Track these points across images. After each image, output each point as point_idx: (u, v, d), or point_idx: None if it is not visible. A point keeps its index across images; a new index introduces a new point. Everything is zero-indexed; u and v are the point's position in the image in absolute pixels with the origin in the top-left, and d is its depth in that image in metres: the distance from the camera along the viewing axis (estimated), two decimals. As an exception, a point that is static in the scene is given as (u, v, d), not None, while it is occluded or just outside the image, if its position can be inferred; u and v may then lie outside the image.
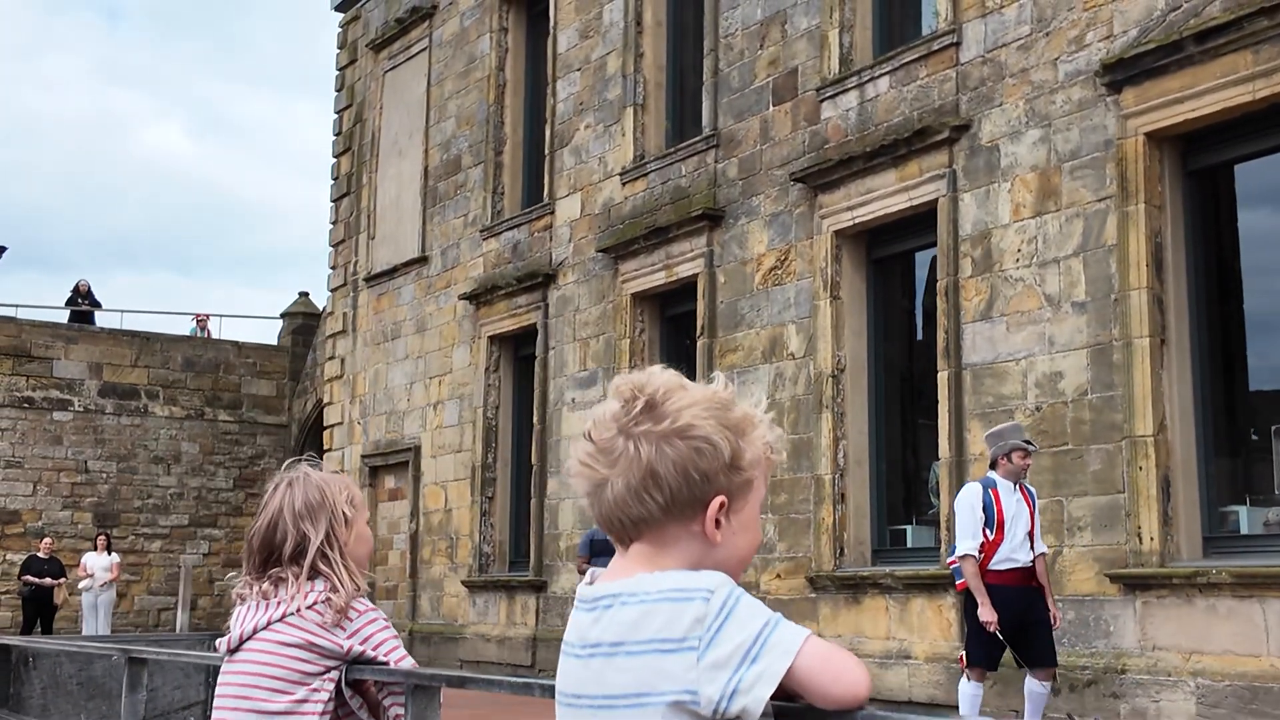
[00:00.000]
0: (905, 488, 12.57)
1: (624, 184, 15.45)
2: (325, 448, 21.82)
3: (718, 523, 1.56)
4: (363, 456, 20.39)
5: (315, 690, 2.65)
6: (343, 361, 21.42)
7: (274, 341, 27.57)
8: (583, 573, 13.24)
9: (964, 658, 8.64)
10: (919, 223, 11.80)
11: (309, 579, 2.71)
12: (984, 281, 11.02)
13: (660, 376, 1.62)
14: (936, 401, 11.65)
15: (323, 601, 2.69)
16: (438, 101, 19.61)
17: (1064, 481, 10.17)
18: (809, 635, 1.49)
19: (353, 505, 2.81)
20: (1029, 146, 10.79)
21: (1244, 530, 9.68)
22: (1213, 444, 9.86)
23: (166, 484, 25.66)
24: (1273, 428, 9.93)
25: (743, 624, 1.48)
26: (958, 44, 11.49)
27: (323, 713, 2.65)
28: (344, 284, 21.71)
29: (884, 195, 11.99)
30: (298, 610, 2.68)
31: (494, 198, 18.10)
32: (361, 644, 2.70)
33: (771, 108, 13.45)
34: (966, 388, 11.06)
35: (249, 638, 2.71)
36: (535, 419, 16.52)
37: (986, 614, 8.05)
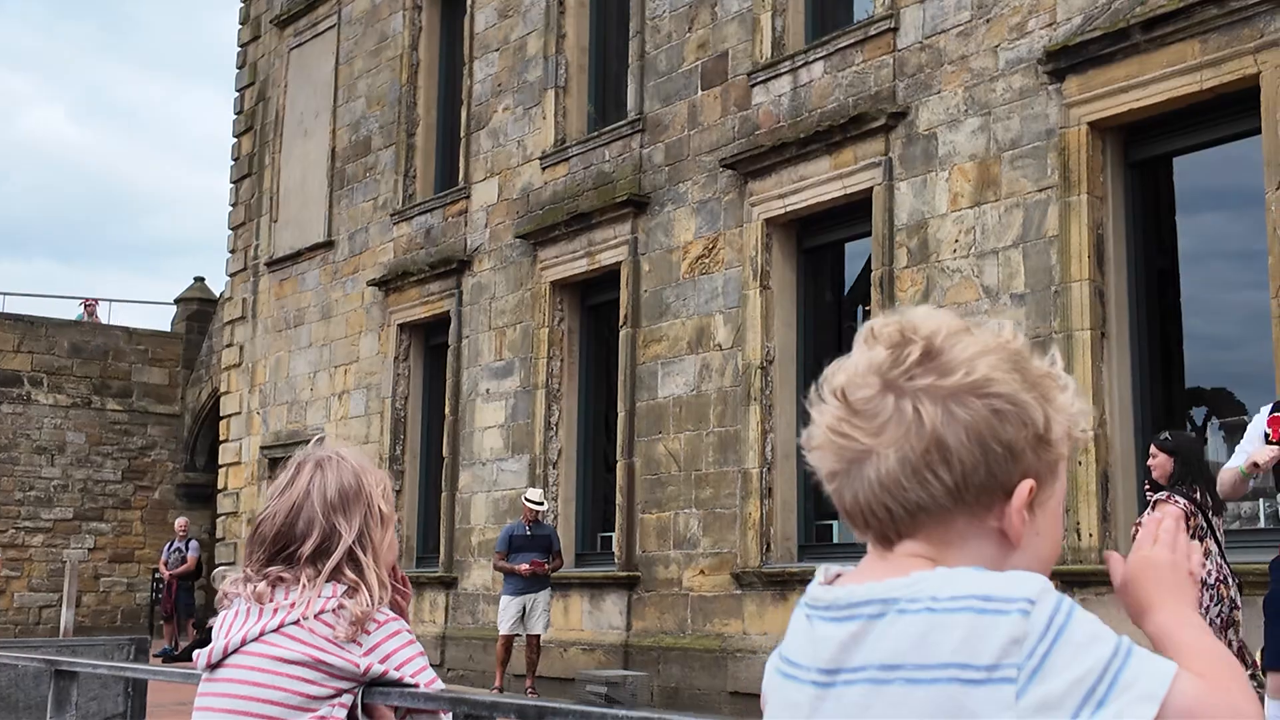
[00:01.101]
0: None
1: (544, 169, 14.98)
2: (221, 438, 20.98)
3: (1022, 516, 1.15)
4: (262, 448, 19.62)
5: (323, 718, 2.17)
6: (241, 349, 20.59)
7: (167, 328, 26.50)
8: (501, 570, 12.76)
9: None
10: (853, 212, 11.54)
11: (325, 582, 2.24)
12: (920, 272, 10.79)
13: (935, 316, 1.21)
14: (867, 395, 11.40)
15: (334, 610, 2.20)
16: (346, 81, 18.92)
17: (1001, 476, 9.95)
18: (1177, 670, 1.08)
19: (388, 502, 2.36)
20: (968, 135, 10.58)
21: (1180, 527, 9.55)
22: (1149, 439, 9.72)
23: (50, 475, 24.48)
24: (1209, 423, 9.85)
25: (1080, 649, 1.07)
26: (895, 29, 11.24)
27: None
28: (244, 268, 20.88)
29: (817, 183, 11.71)
30: (301, 619, 2.20)
31: (406, 181, 17.48)
32: (382, 662, 2.20)
33: (700, 92, 13.10)
34: (901, 380, 10.79)
35: (236, 650, 2.22)
36: (447, 410, 15.98)
37: None
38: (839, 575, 1.22)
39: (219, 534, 20.75)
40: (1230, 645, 7.29)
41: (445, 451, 15.92)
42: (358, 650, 2.18)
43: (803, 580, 11.36)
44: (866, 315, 11.50)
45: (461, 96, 16.60)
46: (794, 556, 11.87)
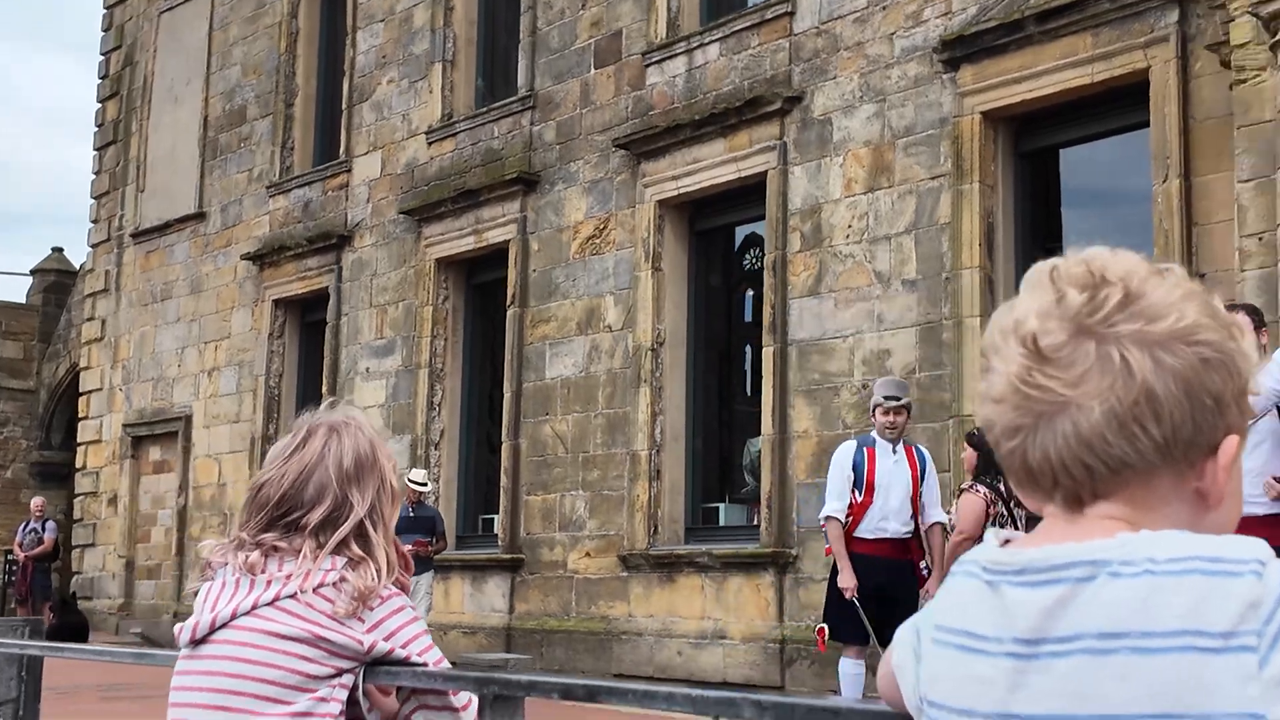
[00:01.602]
0: (720, 465, 12.32)
1: (430, 143, 14.68)
2: (81, 415, 20.18)
3: (1226, 474, 1.07)
4: (124, 426, 18.91)
5: (323, 700, 1.99)
6: (104, 323, 19.81)
7: (22, 300, 25.37)
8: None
9: (823, 630, 7.99)
10: (747, 195, 11.54)
11: (329, 555, 2.06)
12: (813, 257, 10.84)
13: (1121, 257, 1.11)
14: (755, 377, 11.45)
15: (336, 584, 2.02)
16: (221, 47, 18.29)
17: (890, 460, 10.06)
18: None
19: (398, 477, 2.21)
20: (863, 121, 10.66)
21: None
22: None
23: (-107, 452, 23.27)
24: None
25: None
26: (791, 14, 11.26)
27: None
28: (107, 239, 20.07)
29: (711, 165, 11.68)
30: (299, 592, 2.02)
31: (283, 152, 16.98)
32: (386, 640, 2.03)
33: (593, 71, 12.96)
34: (792, 364, 10.86)
35: (225, 625, 2.03)
36: (324, 388, 15.57)
37: (845, 579, 7.43)
38: (1008, 541, 1.12)
39: (77, 514, 19.97)
40: None
41: (322, 431, 15.51)
42: (360, 627, 2.01)
43: (691, 562, 11.37)
44: (757, 300, 11.53)
45: (343, 67, 16.18)
46: (681, 539, 11.85)
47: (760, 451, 11.35)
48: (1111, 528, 1.05)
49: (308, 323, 16.51)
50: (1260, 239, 7.75)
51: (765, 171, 11.23)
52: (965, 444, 7.76)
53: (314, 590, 2.01)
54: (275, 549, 2.05)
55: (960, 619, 1.09)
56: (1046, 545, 1.06)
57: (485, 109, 14.19)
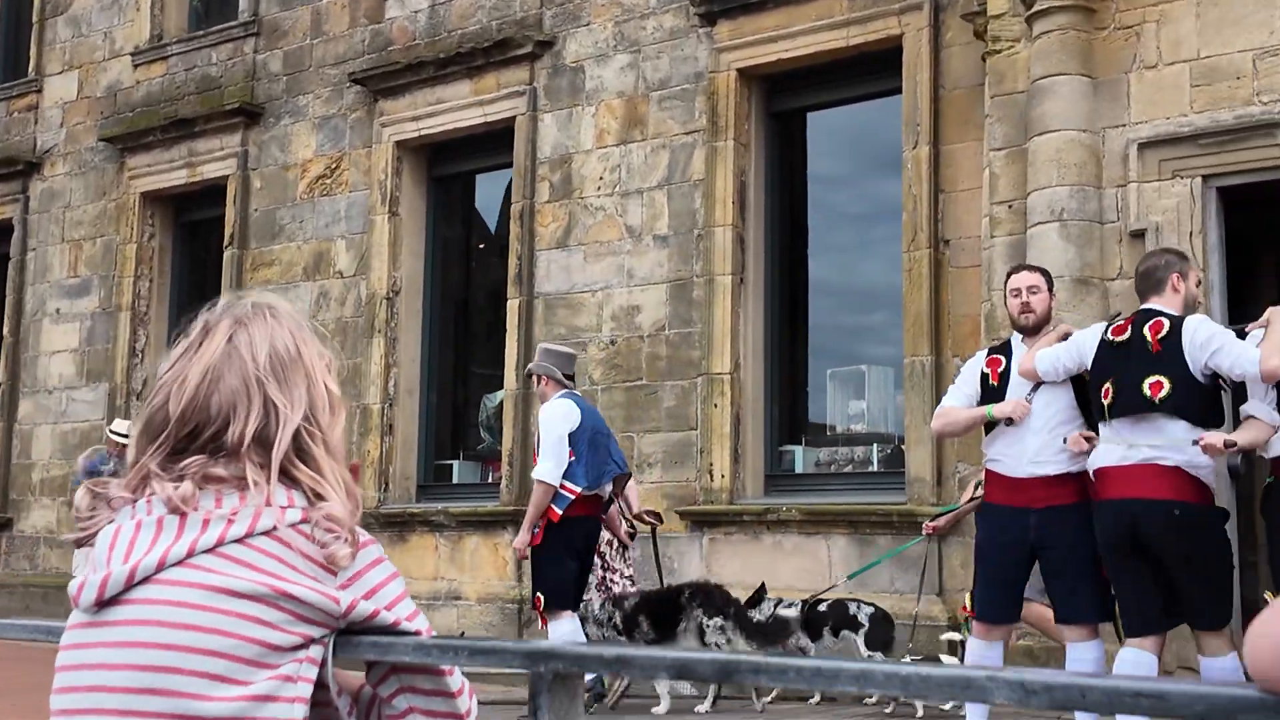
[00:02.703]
0: (455, 421, 11.90)
1: (136, 66, 13.46)
2: None
3: None
4: None
5: (287, 679, 1.48)
6: None
7: None
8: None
9: (539, 600, 7.68)
10: (493, 141, 11.11)
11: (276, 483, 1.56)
12: (562, 208, 10.55)
13: None
14: (495, 330, 11.09)
15: (297, 523, 1.53)
16: (-117, -57, 16.18)
17: (637, 418, 9.96)
18: None
19: (335, 382, 1.70)
20: (616, 71, 10.42)
21: (799, 469, 9.95)
22: (776, 384, 10.03)
23: None
24: (828, 371, 10.27)
25: None
26: (545, -45, 10.88)
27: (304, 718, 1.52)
28: None
29: (455, 108, 11.18)
30: (249, 535, 1.52)
31: (-41, 67, 15.21)
32: (367, 598, 1.55)
33: (326, -1, 12.17)
34: (538, 317, 10.56)
35: (146, 579, 1.50)
36: (6, 330, 14.12)
37: (519, 539, 7.13)
38: None
39: None
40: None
41: (3, 376, 14.08)
42: (332, 581, 1.53)
43: (425, 521, 10.93)
44: (502, 250, 11.14)
45: (34, -24, 14.62)
46: (413, 497, 11.39)
47: (499, 407, 11.02)
48: None
49: (-13, 257, 14.91)
50: (1010, 206, 8.01)
51: (514, 117, 10.83)
52: None
53: (268, 533, 1.52)
54: (209, 478, 1.55)
55: None
56: None
57: (201, 32, 13.11)
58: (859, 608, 7.65)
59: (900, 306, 9.05)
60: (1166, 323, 5.03)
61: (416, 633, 1.56)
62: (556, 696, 1.28)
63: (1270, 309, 5.01)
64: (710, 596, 7.42)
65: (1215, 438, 4.83)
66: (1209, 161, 7.43)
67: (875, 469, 9.64)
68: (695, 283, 9.81)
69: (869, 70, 9.46)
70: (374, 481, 11.26)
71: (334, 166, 11.87)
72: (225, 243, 12.43)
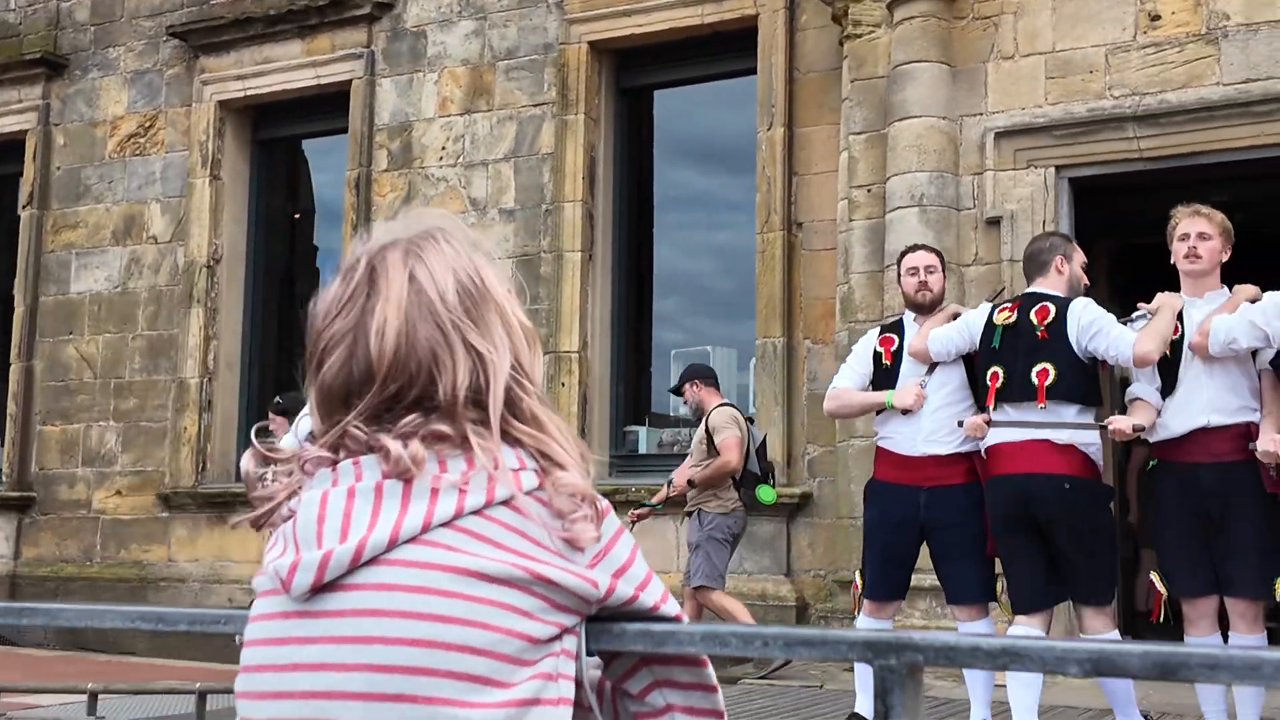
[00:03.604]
0: (279, 395, 11.33)
1: (-82, 7, 12.34)
2: None
3: None
4: None
5: (549, 679, 1.24)
6: None
7: None
8: None
9: None
10: (326, 105, 10.61)
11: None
12: (402, 178, 10.17)
13: None
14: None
15: (535, 489, 1.28)
16: None
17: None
18: None
19: (521, 305, 1.40)
20: (461, 38, 10.09)
21: (642, 450, 9.87)
22: (622, 364, 9.92)
23: None
24: (672, 351, 10.23)
25: None
26: (384, -87, 10.43)
27: None
28: None
29: (285, 69, 10.63)
30: (488, 504, 1.25)
31: None
32: (617, 577, 1.29)
33: (141, -54, 11.41)
34: (374, 290, 10.13)
35: (374, 559, 1.23)
36: None
37: None
38: None
39: None
40: None
41: None
42: (580, 559, 1.28)
43: (246, 501, 10.34)
44: (333, 219, 10.67)
45: None
46: (233, 476, 10.80)
47: (326, 383, 10.57)
48: None
49: None
50: (869, 190, 8.08)
51: (349, 81, 10.37)
52: (272, 415, 7.56)
53: (506, 503, 1.26)
54: (437, 436, 1.27)
55: None
56: None
57: (-3, -26, 12.11)
58: None
59: (750, 289, 9.05)
60: (1052, 307, 5.10)
61: (676, 617, 1.33)
62: (909, 694, 1.08)
63: (1160, 295, 5.15)
64: None
65: (1124, 422, 4.93)
66: (1062, 152, 7.67)
67: (644, 450, 9.67)
68: (543, 259, 9.60)
69: (723, 50, 9.42)
70: (191, 460, 10.65)
71: (148, 125, 11.14)
72: (23, 203, 11.53)
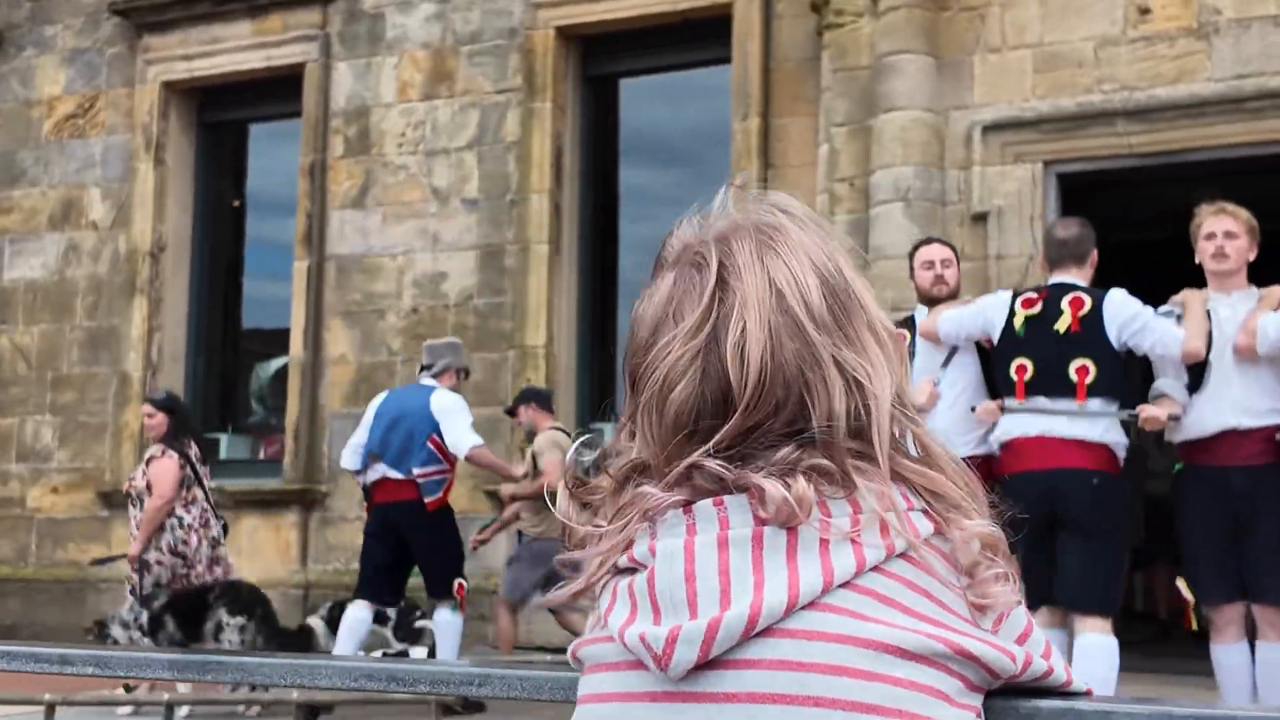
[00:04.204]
0: (223, 391, 10.93)
1: None
2: None
3: None
4: None
5: None
6: None
7: None
8: None
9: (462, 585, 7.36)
10: (277, 88, 10.20)
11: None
12: (359, 165, 9.80)
13: None
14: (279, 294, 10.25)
15: (928, 539, 1.03)
16: None
17: (440, 390, 9.36)
18: None
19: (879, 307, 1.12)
20: (422, 21, 9.75)
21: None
22: (589, 359, 9.66)
23: None
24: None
25: None
26: (340, -111, 10.05)
27: None
28: None
29: (234, 49, 10.21)
30: (887, 557, 1.00)
31: None
32: (1021, 644, 1.05)
33: (79, -82, 10.89)
34: (329, 282, 9.78)
35: (767, 629, 0.97)
36: None
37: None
38: None
39: None
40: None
41: None
42: (985, 624, 1.03)
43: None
44: (286, 208, 10.27)
45: None
46: (178, 473, 10.36)
47: (275, 377, 10.20)
48: None
49: None
50: (852, 184, 7.91)
51: (303, 64, 9.97)
52: (152, 409, 7.33)
53: (905, 554, 1.01)
54: (814, 472, 1.02)
55: None
56: None
57: (-78, -55, 11.50)
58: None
59: (724, 281, 8.84)
60: (1087, 299, 4.94)
61: (1087, 692, 1.09)
62: None
63: (1185, 291, 5.03)
64: (238, 594, 7.05)
65: (1157, 411, 4.79)
66: (1050, 147, 7.56)
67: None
68: (508, 250, 9.31)
69: (696, 37, 9.18)
70: (133, 456, 10.18)
71: (87, 106, 10.65)
72: (-48, 186, 10.96)
